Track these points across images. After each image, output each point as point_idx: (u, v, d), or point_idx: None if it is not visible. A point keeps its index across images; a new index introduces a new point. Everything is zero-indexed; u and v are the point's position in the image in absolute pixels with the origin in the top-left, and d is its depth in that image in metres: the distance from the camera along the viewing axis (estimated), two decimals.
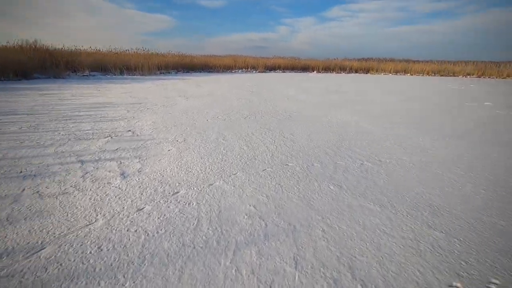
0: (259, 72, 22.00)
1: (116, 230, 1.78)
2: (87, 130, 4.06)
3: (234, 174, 2.67)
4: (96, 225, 1.83)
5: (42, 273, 1.43)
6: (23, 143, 3.39)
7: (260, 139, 3.84)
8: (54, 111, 5.24)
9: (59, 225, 1.82)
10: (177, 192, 2.29)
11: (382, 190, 2.44)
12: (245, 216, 1.97)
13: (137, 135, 3.85)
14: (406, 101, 8.18)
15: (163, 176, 2.59)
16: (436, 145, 3.81)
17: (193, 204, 2.12)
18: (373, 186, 2.51)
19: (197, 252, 1.61)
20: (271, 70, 23.25)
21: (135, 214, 1.96)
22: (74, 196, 2.19)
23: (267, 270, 1.49)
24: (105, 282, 1.38)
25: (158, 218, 1.92)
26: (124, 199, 2.15)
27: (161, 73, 16.41)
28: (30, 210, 1.98)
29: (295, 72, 23.73)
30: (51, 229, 1.78)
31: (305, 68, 24.80)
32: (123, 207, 2.04)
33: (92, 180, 2.47)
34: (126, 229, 1.80)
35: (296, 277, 1.45)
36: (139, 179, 2.51)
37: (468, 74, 26.19)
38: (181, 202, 2.13)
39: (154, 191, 2.30)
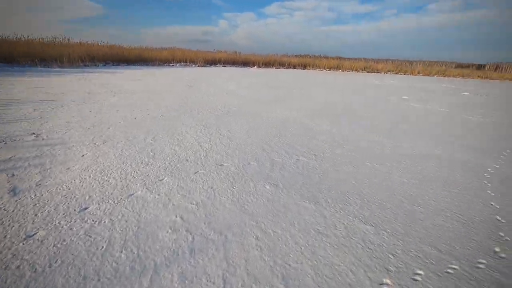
0: (199, 66, 21.24)
1: None
2: None
3: (160, 180, 2.36)
4: None
5: None
6: None
7: (194, 137, 3.55)
8: None
9: None
10: (86, 208, 1.89)
11: (317, 186, 2.42)
12: (169, 231, 1.70)
13: (43, 139, 3.20)
14: (339, 95, 8.70)
15: (69, 189, 2.14)
16: (369, 138, 4.04)
17: (104, 221, 1.76)
18: (308, 182, 2.48)
19: (101, 286, 1.29)
20: (212, 64, 22.68)
21: (21, 244, 1.53)
22: None
23: None
24: None
25: (54, 246, 1.53)
26: (9, 224, 1.68)
27: (85, 65, 14.55)
28: None
29: (236, 66, 23.57)
30: None
31: (246, 63, 24.83)
32: (5, 236, 1.58)
33: None
34: (4, 266, 1.38)
35: None
36: (35, 196, 2.02)
37: (389, 71, 29.52)
38: (88, 221, 1.76)
39: (55, 209, 1.86)
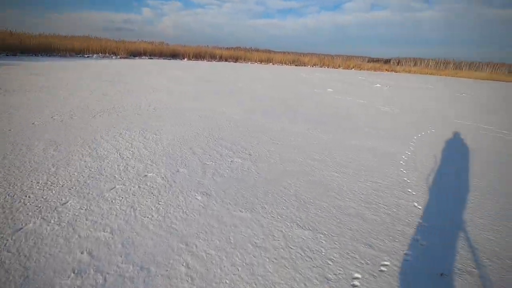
0: (121, 58, 19.17)
1: None
2: None
3: (63, 204, 1.90)
4: None
5: None
6: None
7: (112, 144, 3.05)
8: None
9: None
10: None
11: (253, 190, 2.28)
12: (71, 275, 1.34)
13: None
14: (273, 89, 8.82)
15: None
16: (303, 131, 4.10)
17: None
18: (244, 187, 2.32)
19: None
20: (136, 56, 20.75)
21: None
22: None
23: None
24: None
25: None
26: None
27: None
28: None
29: (163, 58, 22.07)
30: None
31: (174, 55, 23.45)
32: None
33: None
34: None
35: None
36: None
37: (314, 64, 31.67)
38: None
39: None
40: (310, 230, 1.83)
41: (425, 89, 13.87)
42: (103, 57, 18.40)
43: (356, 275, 1.48)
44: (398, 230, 1.90)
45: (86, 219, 1.75)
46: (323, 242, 1.72)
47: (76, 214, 1.80)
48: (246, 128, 4.10)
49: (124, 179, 2.30)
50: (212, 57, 25.76)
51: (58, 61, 13.22)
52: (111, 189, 2.12)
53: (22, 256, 1.42)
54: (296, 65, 29.78)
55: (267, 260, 1.53)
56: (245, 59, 28.02)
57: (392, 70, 35.77)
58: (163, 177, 2.38)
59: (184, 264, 1.46)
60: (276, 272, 1.45)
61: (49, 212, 1.79)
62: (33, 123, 3.54)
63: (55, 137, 3.13)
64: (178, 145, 3.18)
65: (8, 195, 1.95)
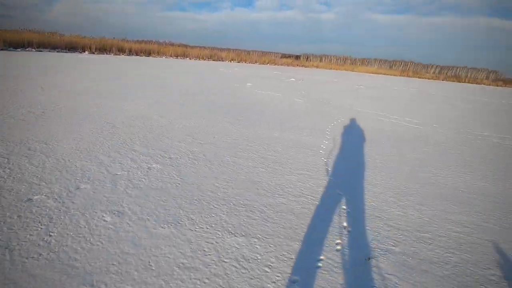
0: None
1: None
2: None
3: None
4: None
5: None
6: None
7: None
8: None
9: None
10: None
11: (176, 200, 2.01)
12: None
13: None
14: (197, 85, 8.37)
15: None
16: (225, 126, 3.92)
17: None
18: (165, 198, 2.02)
19: None
20: (19, 48, 16.95)
21: None
22: None
23: None
24: None
25: None
26: None
27: None
28: None
29: (57, 51, 18.69)
30: None
31: (72, 47, 20.11)
32: None
33: None
34: None
35: None
36: None
37: (232, 60, 31.92)
38: None
39: None
40: (244, 236, 1.68)
41: (331, 83, 15.51)
42: None
43: (295, 277, 1.40)
44: (328, 220, 1.94)
45: None
46: (258, 247, 1.60)
47: None
48: (164, 129, 3.70)
49: None
50: (120, 50, 23.15)
51: None
52: None
53: None
54: (214, 60, 29.43)
55: (198, 283, 1.32)
56: (159, 53, 26.19)
57: (302, 65, 39.02)
58: (56, 199, 1.87)
59: None
60: None
61: None
62: None
63: None
64: (77, 154, 2.61)
65: None
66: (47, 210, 1.75)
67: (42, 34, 19.84)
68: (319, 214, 2.01)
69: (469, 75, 45.08)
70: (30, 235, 1.52)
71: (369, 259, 1.58)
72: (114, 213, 1.78)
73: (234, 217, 1.86)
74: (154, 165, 2.54)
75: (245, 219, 1.85)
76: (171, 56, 26.64)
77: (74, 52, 19.72)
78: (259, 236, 1.70)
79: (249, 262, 1.48)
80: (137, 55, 24.04)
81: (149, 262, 1.41)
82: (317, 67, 39.94)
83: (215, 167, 2.64)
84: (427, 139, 4.52)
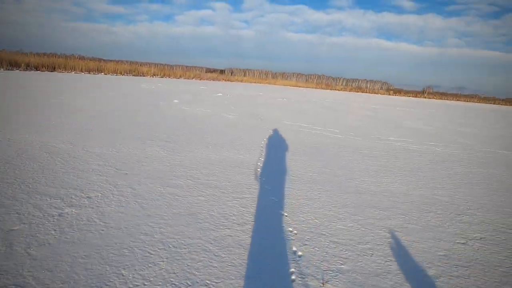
0: None
1: None
2: None
3: None
4: None
5: None
6: None
7: None
8: None
9: None
10: None
11: (100, 253, 1.64)
12: None
13: None
14: (112, 103, 7.50)
15: None
16: (155, 154, 3.54)
17: None
18: (85, 252, 1.64)
19: None
20: None
21: None
22: None
23: None
24: None
25: None
26: None
27: None
28: None
29: None
30: None
31: None
32: None
33: None
34: None
35: None
36: None
37: (154, 75, 30.37)
38: None
39: None
40: (190, 286, 1.47)
41: (257, 96, 16.13)
42: None
43: None
44: (278, 247, 1.87)
45: None
46: None
47: None
48: (76, 160, 3.13)
49: None
50: (13, 65, 19.50)
51: None
52: None
53: None
54: (134, 75, 27.47)
55: None
56: (67, 68, 23.09)
57: (228, 80, 39.79)
58: None
59: None
60: None
61: None
62: None
63: None
64: None
65: None
66: None
67: None
68: (267, 241, 1.92)
69: (368, 86, 53.26)
70: None
71: (323, 284, 1.56)
72: None
73: (176, 264, 1.62)
74: (67, 210, 2.08)
75: (189, 263, 1.63)
76: (82, 71, 23.76)
77: None
78: (207, 282, 1.51)
79: None
80: (37, 69, 20.65)
81: None
82: (241, 81, 41.28)
83: (146, 202, 2.32)
84: (350, 148, 5.00)
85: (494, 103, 45.19)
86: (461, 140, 7.05)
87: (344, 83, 54.31)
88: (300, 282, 1.57)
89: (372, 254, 1.89)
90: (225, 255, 1.73)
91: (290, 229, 2.11)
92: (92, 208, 2.15)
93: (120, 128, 4.93)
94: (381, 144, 5.62)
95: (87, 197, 2.31)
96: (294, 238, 2.00)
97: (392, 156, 4.68)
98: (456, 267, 1.82)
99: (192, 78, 33.49)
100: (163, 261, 1.63)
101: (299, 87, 42.12)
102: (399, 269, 1.75)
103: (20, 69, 19.52)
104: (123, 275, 1.49)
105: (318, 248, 1.90)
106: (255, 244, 1.88)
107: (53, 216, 1.99)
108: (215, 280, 1.52)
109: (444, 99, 44.89)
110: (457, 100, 45.04)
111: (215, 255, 1.73)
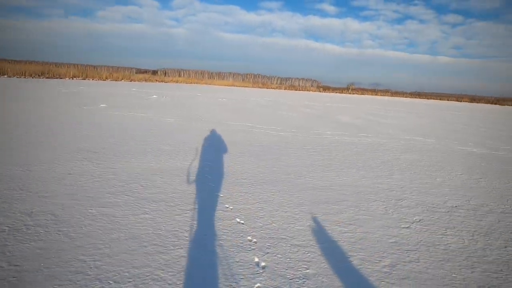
0: None
1: None
2: None
3: None
4: None
5: None
6: None
7: None
8: None
9: None
10: None
11: None
12: None
13: None
14: (20, 110, 6.23)
15: None
16: (84, 168, 2.99)
17: None
18: None
19: None
20: None
21: None
22: None
23: None
24: None
25: None
26: None
27: None
28: None
29: None
30: None
31: None
32: None
33: None
34: None
35: None
36: None
37: (74, 76, 26.88)
38: None
39: None
40: None
41: (195, 97, 15.58)
42: None
43: None
44: (241, 260, 1.71)
45: None
46: None
47: None
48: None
49: None
50: None
51: None
52: None
53: None
54: (48, 78, 23.85)
55: None
56: None
57: (162, 81, 37.63)
58: None
59: None
60: None
61: None
62: None
63: None
64: None
65: None
66: None
67: None
68: (227, 256, 1.75)
69: (301, 84, 56.59)
70: None
71: None
72: None
73: None
74: (28, 244, 1.56)
75: None
76: None
77: None
78: None
79: None
80: None
81: None
82: (176, 81, 39.51)
83: (74, 230, 1.90)
84: (294, 145, 5.11)
85: (403, 96, 52.79)
86: (385, 130, 7.91)
87: (278, 82, 56.64)
88: None
89: (333, 252, 1.88)
90: (180, 282, 1.50)
91: (249, 237, 1.97)
92: (2, 246, 1.66)
93: (33, 141, 4.10)
94: (321, 139, 5.90)
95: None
96: (254, 247, 1.86)
97: (333, 150, 4.93)
98: (407, 252, 1.93)
99: (121, 80, 30.64)
100: None
101: (237, 86, 42.36)
102: (360, 264, 1.76)
103: None
104: None
105: (280, 255, 1.80)
106: (213, 262, 1.68)
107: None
108: None
109: (365, 94, 50.55)
110: (375, 94, 51.21)
111: (169, 284, 1.48)
